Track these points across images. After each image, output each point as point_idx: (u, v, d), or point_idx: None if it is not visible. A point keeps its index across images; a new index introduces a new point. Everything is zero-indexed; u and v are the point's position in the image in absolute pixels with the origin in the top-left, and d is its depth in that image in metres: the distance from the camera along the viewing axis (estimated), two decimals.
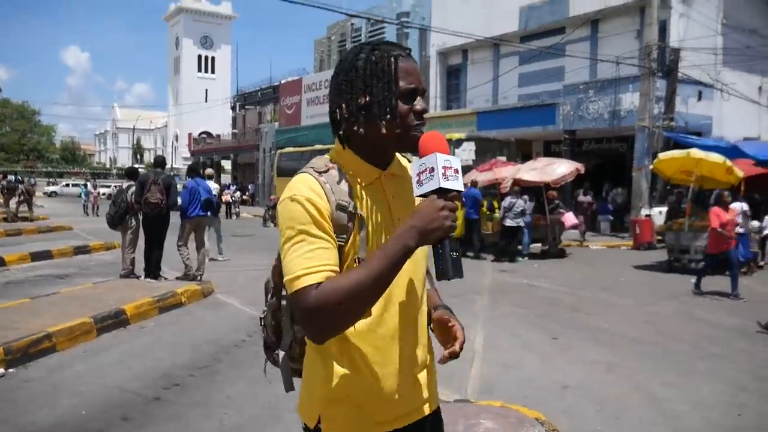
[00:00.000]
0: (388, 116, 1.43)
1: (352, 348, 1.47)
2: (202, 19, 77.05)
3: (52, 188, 53.22)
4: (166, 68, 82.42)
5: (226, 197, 16.41)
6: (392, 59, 1.45)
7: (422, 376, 1.60)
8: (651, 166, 14.52)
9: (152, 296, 7.61)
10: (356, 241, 1.43)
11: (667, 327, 7.36)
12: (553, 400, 4.74)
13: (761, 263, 12.28)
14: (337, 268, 1.37)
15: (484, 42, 23.06)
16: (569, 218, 14.74)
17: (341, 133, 1.51)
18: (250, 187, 40.33)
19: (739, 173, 11.67)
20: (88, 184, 32.00)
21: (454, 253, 1.31)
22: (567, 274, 11.55)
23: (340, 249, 1.42)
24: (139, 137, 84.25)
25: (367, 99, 1.44)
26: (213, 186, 13.38)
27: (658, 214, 15.73)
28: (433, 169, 1.32)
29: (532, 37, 22.86)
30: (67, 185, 51.79)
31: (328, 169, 1.48)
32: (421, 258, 1.55)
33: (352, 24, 34.94)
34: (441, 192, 1.32)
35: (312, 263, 1.34)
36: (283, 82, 38.93)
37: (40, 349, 5.52)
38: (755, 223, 12.10)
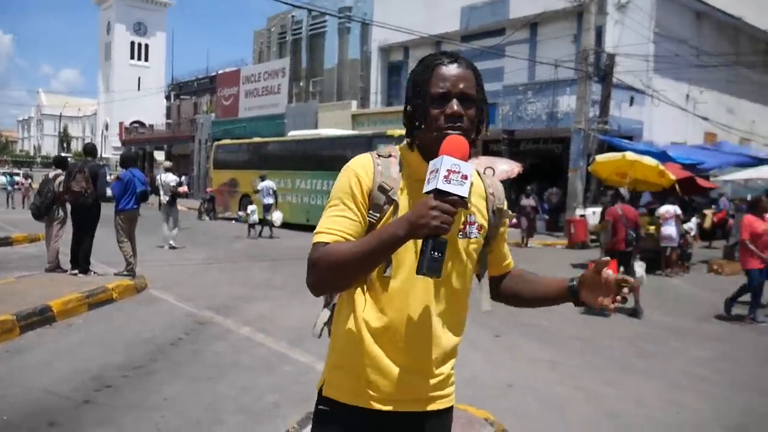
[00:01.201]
0: (423, 121, 1.56)
1: (361, 323, 1.58)
2: (136, 5, 74.33)
3: None
4: (97, 54, 79.18)
5: (184, 189, 16.02)
6: (430, 67, 1.57)
7: (429, 372, 1.62)
8: (589, 167, 14.88)
9: (81, 291, 7.20)
10: (386, 223, 1.54)
11: (600, 323, 7.53)
12: (499, 398, 4.73)
13: (687, 264, 12.77)
14: (351, 238, 1.52)
15: (425, 39, 23.13)
16: None
17: (409, 136, 1.64)
18: (183, 178, 39.17)
19: (671, 176, 12.10)
20: (20, 173, 30.51)
21: (436, 254, 1.36)
22: None
23: (371, 225, 1.56)
24: (66, 125, 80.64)
25: (412, 106, 1.60)
26: (173, 178, 13.67)
27: (592, 214, 16.17)
28: (438, 171, 1.38)
29: (472, 37, 23.09)
30: None
31: (390, 156, 1.63)
32: (460, 262, 1.61)
33: (293, 16, 34.40)
34: (440, 193, 1.36)
35: (332, 225, 1.53)
36: (220, 72, 38.01)
37: None
38: (688, 225, 12.58)
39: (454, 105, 1.52)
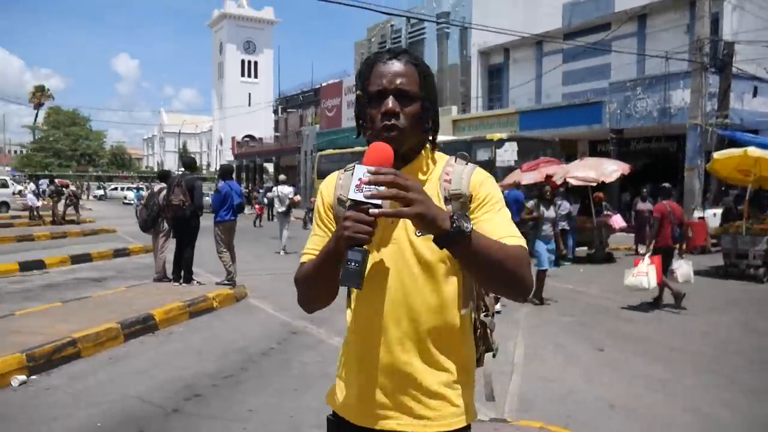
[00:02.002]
0: (364, 121, 1.55)
1: (347, 336, 1.65)
2: (245, 25, 78.02)
3: (100, 192, 54.55)
4: (211, 74, 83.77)
5: (298, 198, 16.81)
6: (370, 66, 1.54)
7: (409, 390, 1.53)
8: (707, 166, 13.76)
9: (183, 300, 7.47)
10: None
11: (725, 339, 6.83)
12: (599, 420, 4.35)
13: None
14: None
15: (526, 40, 22.55)
16: (617, 221, 14.09)
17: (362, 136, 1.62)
18: (292, 189, 40.46)
19: None
20: (144, 188, 32.86)
21: (352, 264, 1.35)
22: (614, 280, 10.97)
23: None
24: (185, 141, 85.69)
25: (355, 106, 1.60)
26: (289, 189, 14.92)
27: (713, 216, 14.97)
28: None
29: (576, 34, 22.23)
30: (115, 189, 52.96)
31: (354, 167, 1.54)
32: (425, 263, 1.52)
33: (392, 25, 34.71)
34: (357, 203, 1.34)
35: (308, 245, 1.64)
36: (323, 84, 38.98)
37: (63, 356, 5.40)
38: None
39: (389, 102, 1.48)
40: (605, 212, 14.12)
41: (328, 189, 1.64)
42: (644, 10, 19.86)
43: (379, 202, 1.33)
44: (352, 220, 1.33)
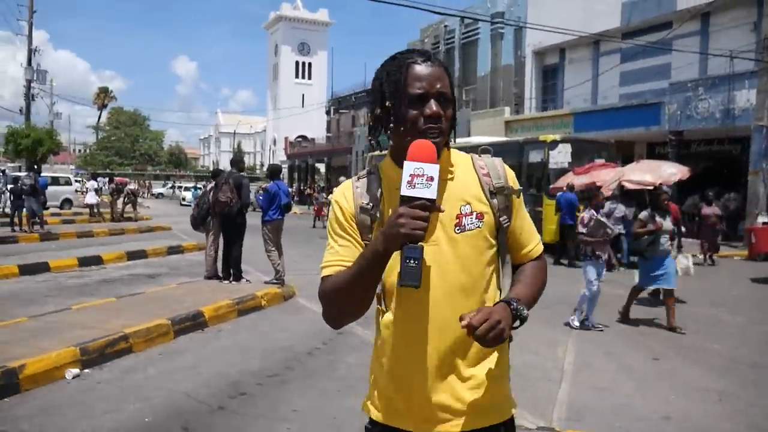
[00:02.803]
0: (401, 123, 1.50)
1: (384, 342, 1.58)
2: (300, 27, 78.96)
3: (158, 190, 56.12)
4: (266, 75, 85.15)
5: None
6: (404, 67, 1.50)
7: (458, 388, 1.53)
8: None
9: (232, 298, 7.56)
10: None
11: None
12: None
13: None
14: (349, 263, 1.49)
15: (582, 39, 22.08)
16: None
17: (371, 140, 1.63)
18: None
19: None
20: (204, 186, 33.13)
21: (411, 261, 1.32)
22: None
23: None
24: (240, 141, 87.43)
25: (384, 108, 1.53)
26: None
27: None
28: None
29: (635, 33, 21.63)
30: (172, 188, 54.32)
31: (370, 174, 1.62)
32: (466, 258, 1.52)
33: (445, 26, 34.52)
34: (407, 200, 1.33)
35: (329, 257, 1.55)
36: None
37: (116, 350, 5.53)
38: None
39: (434, 105, 1.47)
40: None
41: (346, 198, 1.59)
42: (708, 8, 19.13)
43: (433, 197, 1.33)
44: (408, 217, 1.31)
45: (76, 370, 5.03)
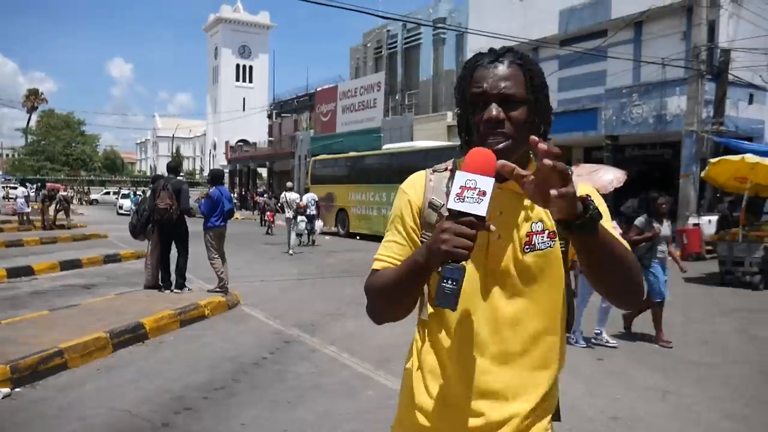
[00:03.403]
0: (465, 129, 1.44)
1: (422, 361, 1.50)
2: (241, 29, 77.82)
3: (93, 196, 54.18)
4: (206, 78, 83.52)
5: (303, 204, 17.30)
6: (470, 69, 1.42)
7: (479, 414, 1.42)
8: (702, 173, 13.69)
9: (174, 309, 7.30)
10: None
11: (726, 348, 6.73)
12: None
13: None
14: (399, 263, 1.43)
15: (522, 46, 22.36)
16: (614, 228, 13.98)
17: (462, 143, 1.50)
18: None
19: None
20: (143, 192, 31.29)
21: (449, 282, 1.20)
22: None
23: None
24: (179, 146, 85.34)
25: (456, 112, 1.49)
26: (296, 196, 16.55)
27: (708, 223, 14.92)
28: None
29: (572, 40, 22.19)
30: (108, 193, 52.55)
31: (446, 170, 1.52)
32: (533, 281, 1.42)
33: (388, 30, 34.70)
34: (457, 214, 1.21)
35: (383, 252, 1.49)
36: (318, 89, 38.85)
37: (50, 367, 5.23)
38: None
39: (493, 110, 1.35)
40: None
41: (416, 190, 1.50)
42: (641, 17, 19.81)
43: (483, 213, 1.20)
44: (451, 233, 1.19)
45: (6, 390, 4.73)
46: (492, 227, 1.25)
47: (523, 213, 1.42)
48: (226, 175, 49.92)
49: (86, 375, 5.31)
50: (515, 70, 1.39)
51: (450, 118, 27.10)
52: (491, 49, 1.45)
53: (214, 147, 75.74)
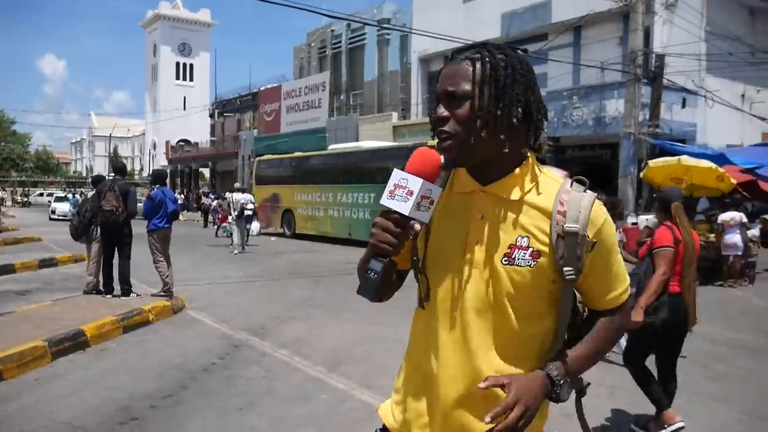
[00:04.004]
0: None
1: (409, 350, 1.53)
2: (180, 26, 76.11)
3: (25, 198, 51.97)
4: (144, 76, 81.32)
5: (251, 206, 17.35)
6: (439, 71, 1.40)
7: (469, 409, 1.37)
8: (641, 174, 14.17)
9: (116, 314, 7.03)
10: (416, 241, 1.43)
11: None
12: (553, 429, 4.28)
13: (752, 273, 11.96)
14: None
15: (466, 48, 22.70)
16: None
17: None
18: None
19: (732, 180, 11.39)
20: (81, 193, 29.19)
21: (372, 274, 1.26)
22: None
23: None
24: (117, 145, 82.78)
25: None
26: (247, 197, 16.94)
27: (645, 221, 15.43)
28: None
29: (514, 43, 22.28)
30: (41, 194, 50.48)
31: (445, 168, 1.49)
32: (506, 295, 1.34)
33: (332, 30, 34.55)
34: (388, 210, 1.26)
35: None
36: (262, 89, 38.34)
37: None
38: (752, 232, 11.73)
39: (436, 109, 1.36)
40: None
41: None
42: (580, 22, 20.35)
43: (405, 212, 1.24)
44: (379, 228, 1.25)
45: None
46: (417, 226, 1.26)
47: (510, 222, 1.34)
48: (168, 176, 48.80)
49: (23, 386, 5.04)
50: (466, 65, 1.32)
51: (395, 118, 27.20)
52: (467, 46, 1.41)
53: (154, 147, 73.77)
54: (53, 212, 31.85)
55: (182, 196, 40.34)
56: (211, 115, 50.50)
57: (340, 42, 34.22)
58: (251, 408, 4.61)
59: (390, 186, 1.26)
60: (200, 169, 49.15)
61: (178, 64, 76.57)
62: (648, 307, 3.89)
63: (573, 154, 21.70)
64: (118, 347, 6.40)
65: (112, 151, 75.82)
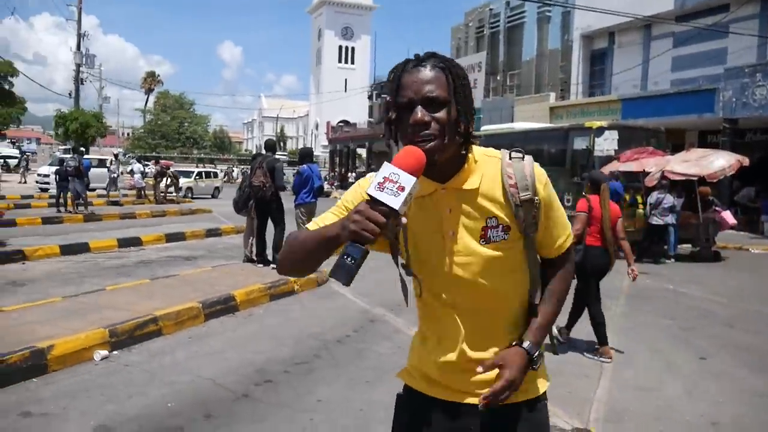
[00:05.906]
0: (396, 127, 1.51)
1: (421, 324, 1.72)
2: (344, 11, 78.77)
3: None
4: (309, 60, 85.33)
5: None
6: (397, 76, 1.50)
7: (463, 370, 1.59)
8: None
9: (264, 282, 7.49)
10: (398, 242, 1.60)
11: None
12: None
13: None
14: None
15: (633, 23, 21.33)
16: (727, 217, 12.99)
17: (387, 142, 1.61)
18: None
19: None
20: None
21: (348, 259, 1.29)
22: (721, 281, 10.16)
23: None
24: (283, 125, 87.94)
25: (386, 117, 1.53)
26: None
27: None
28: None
29: (689, 16, 20.74)
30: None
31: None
32: (491, 268, 1.55)
33: (490, 9, 33.89)
34: (374, 201, 1.30)
35: (317, 218, 1.60)
36: None
37: (145, 333, 5.49)
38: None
39: (418, 112, 1.44)
40: (714, 208, 13.03)
41: (368, 181, 1.59)
42: None
43: (396, 207, 1.28)
44: (364, 216, 1.29)
45: (104, 352, 5.01)
46: (404, 220, 1.34)
47: (476, 210, 1.53)
48: (327, 155, 51.01)
49: (178, 342, 5.53)
50: (438, 72, 1.47)
51: (553, 99, 26.17)
52: (416, 55, 1.52)
53: (317, 127, 77.39)
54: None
55: (333, 173, 41.97)
56: (369, 97, 51.84)
57: (498, 21, 33.48)
58: (379, 382, 4.68)
59: (379, 178, 1.31)
60: (357, 149, 50.74)
61: (340, 47, 79.40)
62: None
63: (753, 138, 19.58)
64: (264, 313, 6.80)
65: (278, 131, 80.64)
